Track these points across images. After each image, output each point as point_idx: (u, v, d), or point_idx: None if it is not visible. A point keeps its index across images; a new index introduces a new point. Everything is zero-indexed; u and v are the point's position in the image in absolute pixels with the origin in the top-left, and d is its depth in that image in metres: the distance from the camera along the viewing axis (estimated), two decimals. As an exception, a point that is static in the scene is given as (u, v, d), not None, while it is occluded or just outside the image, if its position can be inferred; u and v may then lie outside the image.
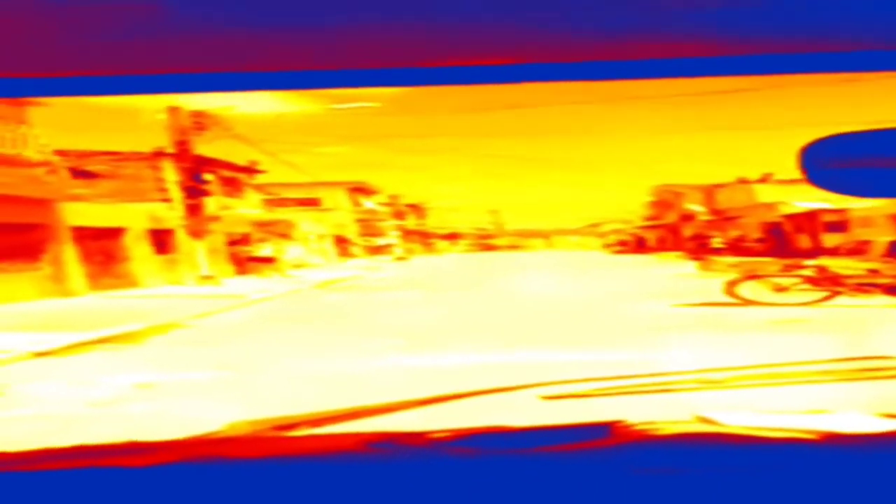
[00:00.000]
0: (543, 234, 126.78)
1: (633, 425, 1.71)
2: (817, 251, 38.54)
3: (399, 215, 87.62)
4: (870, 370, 2.49)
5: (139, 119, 39.04)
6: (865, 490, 1.47)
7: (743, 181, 64.81)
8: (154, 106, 36.55)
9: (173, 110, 36.13)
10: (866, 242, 28.06)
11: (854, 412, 1.96)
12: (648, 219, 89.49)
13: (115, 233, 32.29)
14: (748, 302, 21.47)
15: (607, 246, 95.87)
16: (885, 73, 1.33)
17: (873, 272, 25.28)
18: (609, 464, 1.54)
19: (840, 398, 2.59)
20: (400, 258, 70.95)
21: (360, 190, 74.36)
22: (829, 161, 1.34)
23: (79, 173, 33.56)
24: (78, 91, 1.34)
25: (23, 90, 1.34)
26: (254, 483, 1.49)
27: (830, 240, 42.69)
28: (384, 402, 2.27)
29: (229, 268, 39.32)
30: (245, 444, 1.98)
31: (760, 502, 1.46)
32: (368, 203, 76.30)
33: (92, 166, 36.34)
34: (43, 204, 27.80)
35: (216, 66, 1.31)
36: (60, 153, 30.67)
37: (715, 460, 1.55)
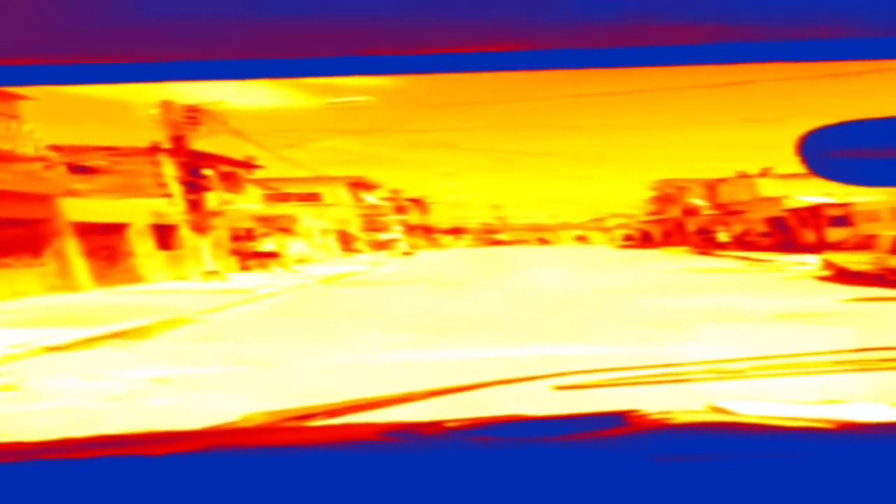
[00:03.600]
0: (548, 229, 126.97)
1: (647, 415, 1.71)
2: (822, 245, 38.54)
3: (401, 210, 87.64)
4: (880, 361, 2.49)
5: (131, 114, 38.77)
6: (879, 479, 1.47)
7: (744, 175, 64.81)
8: (145, 100, 36.32)
9: (166, 105, 35.90)
10: (872, 236, 28.04)
11: (867, 402, 1.96)
12: (652, 213, 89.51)
13: (117, 228, 32.30)
14: None
15: (610, 239, 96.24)
16: (885, 64, 1.33)
17: (881, 265, 25.36)
18: (624, 452, 1.54)
19: (853, 389, 2.60)
20: (405, 253, 70.96)
21: (360, 185, 74.39)
22: (828, 150, 1.34)
23: (76, 169, 33.56)
24: (62, 80, 1.34)
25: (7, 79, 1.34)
26: (269, 472, 1.50)
27: (835, 234, 42.62)
28: (398, 393, 2.28)
29: (233, 263, 39.35)
30: (261, 435, 1.98)
31: (775, 491, 1.46)
32: (370, 198, 76.33)
33: (89, 161, 36.35)
34: (42, 200, 27.77)
35: (201, 55, 1.30)
36: (56, 148, 30.61)
37: (729, 449, 1.55)
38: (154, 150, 37.77)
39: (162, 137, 36.95)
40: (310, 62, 1.31)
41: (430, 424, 1.67)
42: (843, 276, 27.46)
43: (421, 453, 1.56)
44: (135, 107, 39.04)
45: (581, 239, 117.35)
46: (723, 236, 60.30)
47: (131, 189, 36.08)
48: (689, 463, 1.49)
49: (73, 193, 30.14)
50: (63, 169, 30.82)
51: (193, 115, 35.95)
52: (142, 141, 38.32)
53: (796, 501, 1.44)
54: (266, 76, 1.34)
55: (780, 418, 1.76)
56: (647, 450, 1.53)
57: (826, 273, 29.30)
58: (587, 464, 1.50)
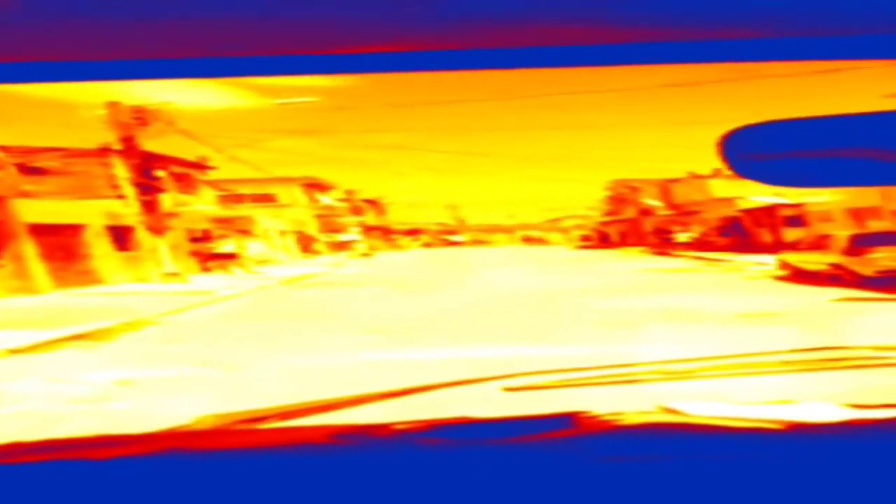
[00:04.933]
0: (505, 230, 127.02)
1: (597, 416, 1.72)
2: (778, 245, 38.82)
3: (357, 211, 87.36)
4: (832, 360, 2.51)
5: (76, 115, 38.58)
6: (829, 479, 1.48)
7: (696, 176, 65.07)
8: (91, 101, 35.91)
9: (112, 105, 35.56)
10: (826, 237, 28.33)
11: (817, 402, 1.97)
12: (608, 214, 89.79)
13: (73, 230, 31.96)
14: None
15: (567, 239, 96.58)
16: (831, 65, 1.34)
17: (836, 266, 25.61)
18: (574, 453, 1.54)
19: (803, 388, 2.61)
20: (365, 254, 70.78)
21: (315, 186, 74.05)
22: (747, 150, 1.35)
23: (27, 170, 33.20)
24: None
25: None
26: (219, 475, 1.49)
27: (791, 234, 42.92)
28: (350, 395, 2.27)
29: (193, 264, 39.09)
30: (214, 437, 1.97)
31: (724, 491, 1.47)
32: (325, 199, 76.01)
33: (40, 163, 35.98)
34: (-7, 201, 27.45)
35: (143, 54, 1.29)
36: (4, 149, 30.22)
37: (679, 449, 1.55)
38: (105, 151, 37.39)
39: (110, 138, 36.65)
40: (250, 60, 1.30)
41: (380, 427, 1.67)
42: (799, 275, 27.70)
43: (370, 455, 1.56)
44: (80, 107, 38.78)
45: (528, 240, 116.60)
46: (679, 236, 60.62)
47: (84, 190, 35.69)
48: (639, 463, 1.49)
49: (25, 195, 29.77)
50: (13, 170, 30.42)
51: (141, 115, 35.63)
52: (89, 142, 37.95)
53: (747, 502, 1.45)
54: (210, 75, 1.33)
55: (731, 419, 1.77)
56: (597, 451, 1.53)
57: (782, 273, 29.53)
58: (536, 465, 1.50)
